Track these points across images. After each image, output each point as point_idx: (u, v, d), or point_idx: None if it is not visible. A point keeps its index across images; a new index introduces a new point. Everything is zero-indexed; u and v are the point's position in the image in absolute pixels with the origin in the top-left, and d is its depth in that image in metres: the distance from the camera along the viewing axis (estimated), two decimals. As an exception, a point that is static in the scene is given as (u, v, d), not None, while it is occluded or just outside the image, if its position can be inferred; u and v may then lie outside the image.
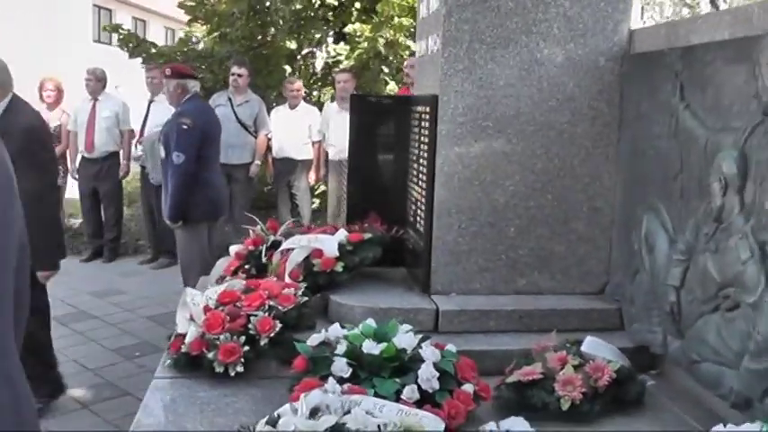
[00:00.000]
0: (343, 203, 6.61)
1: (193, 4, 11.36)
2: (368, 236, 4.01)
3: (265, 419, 2.39)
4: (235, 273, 4.20)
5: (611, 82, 3.89)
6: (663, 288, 3.24)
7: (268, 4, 10.55)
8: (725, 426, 2.41)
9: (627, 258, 3.73)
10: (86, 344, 6.45)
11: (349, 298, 3.78)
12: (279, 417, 2.41)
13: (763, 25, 2.69)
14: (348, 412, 2.43)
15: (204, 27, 11.89)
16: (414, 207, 4.21)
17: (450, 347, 3.08)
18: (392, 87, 10.05)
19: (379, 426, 2.35)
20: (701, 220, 2.96)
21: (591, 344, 3.29)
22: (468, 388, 2.85)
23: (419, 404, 2.69)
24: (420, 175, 4.07)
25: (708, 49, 2.99)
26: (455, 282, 3.95)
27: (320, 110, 9.65)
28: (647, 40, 3.70)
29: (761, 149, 2.59)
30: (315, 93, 11.41)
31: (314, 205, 10.18)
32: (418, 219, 4.10)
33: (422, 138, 4.05)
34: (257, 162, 9.15)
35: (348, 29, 10.54)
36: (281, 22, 10.55)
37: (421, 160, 4.05)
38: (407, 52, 9.77)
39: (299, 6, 10.44)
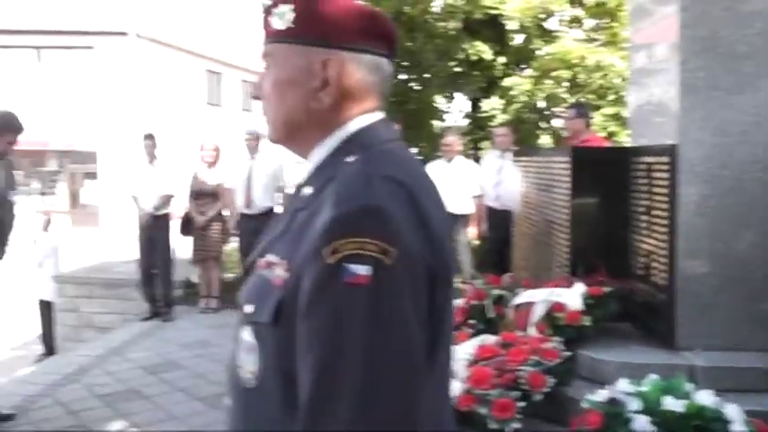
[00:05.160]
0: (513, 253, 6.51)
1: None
2: (607, 290, 3.91)
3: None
4: (457, 328, 4.17)
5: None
6: None
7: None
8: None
9: None
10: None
11: (600, 353, 3.65)
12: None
13: None
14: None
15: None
16: (644, 259, 4.05)
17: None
18: (545, 141, 9.93)
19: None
20: None
21: None
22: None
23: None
24: (653, 227, 3.92)
25: None
26: (701, 336, 3.78)
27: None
28: None
29: None
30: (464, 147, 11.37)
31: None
32: (651, 271, 3.96)
33: (652, 188, 3.93)
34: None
35: (506, 82, 10.40)
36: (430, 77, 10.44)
37: (653, 211, 3.90)
38: (564, 105, 9.63)
39: (452, 63, 10.42)
